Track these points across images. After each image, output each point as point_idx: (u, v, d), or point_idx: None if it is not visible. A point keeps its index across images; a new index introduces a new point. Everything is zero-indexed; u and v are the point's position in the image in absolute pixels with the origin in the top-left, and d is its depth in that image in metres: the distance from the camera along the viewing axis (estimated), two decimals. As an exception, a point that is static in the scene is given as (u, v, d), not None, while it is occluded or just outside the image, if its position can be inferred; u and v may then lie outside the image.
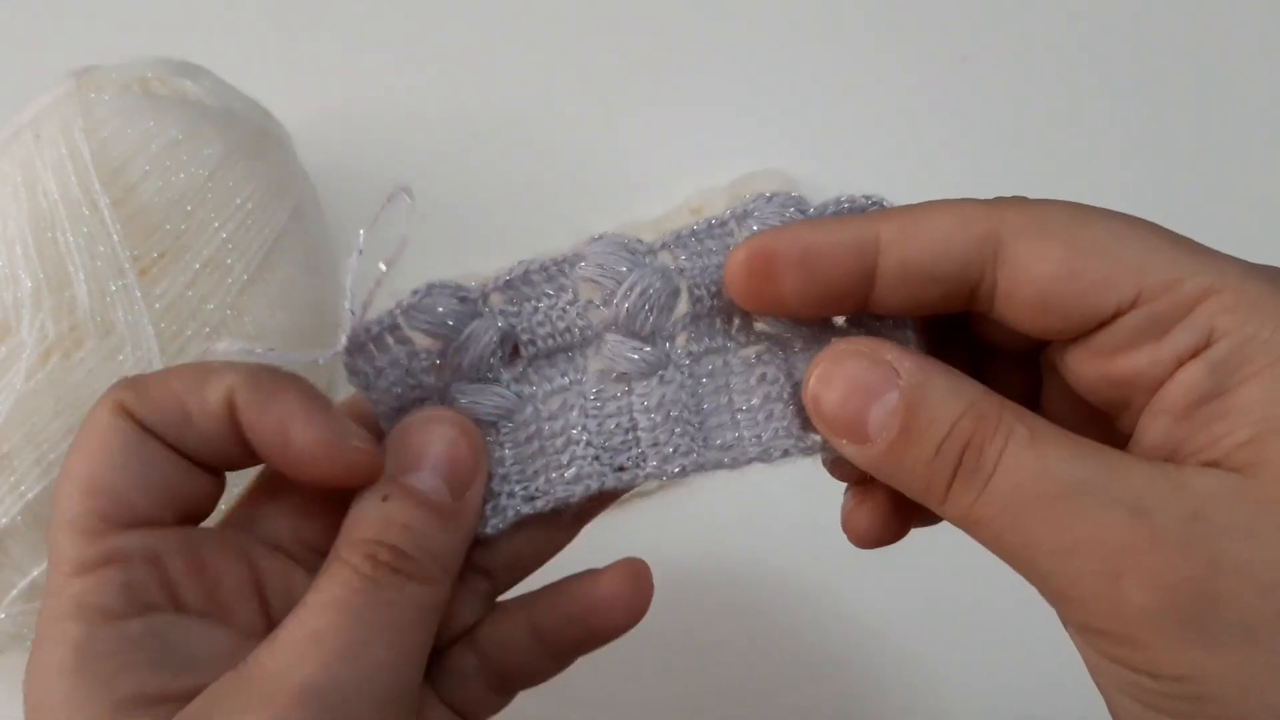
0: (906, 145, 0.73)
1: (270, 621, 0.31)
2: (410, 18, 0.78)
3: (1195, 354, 0.27)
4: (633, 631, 0.35)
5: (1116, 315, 0.27)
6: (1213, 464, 0.26)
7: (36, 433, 0.48)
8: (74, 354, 0.49)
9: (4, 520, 0.48)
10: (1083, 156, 0.72)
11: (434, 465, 0.31)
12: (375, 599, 0.29)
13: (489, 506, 0.33)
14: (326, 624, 0.28)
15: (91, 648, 0.28)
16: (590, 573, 0.35)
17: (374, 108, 0.74)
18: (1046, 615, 0.30)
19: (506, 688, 0.36)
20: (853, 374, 0.29)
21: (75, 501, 0.29)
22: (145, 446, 0.29)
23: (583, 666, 0.36)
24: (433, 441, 0.31)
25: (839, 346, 0.30)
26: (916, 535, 0.35)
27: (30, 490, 0.48)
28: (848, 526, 0.34)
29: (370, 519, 0.30)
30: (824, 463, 0.34)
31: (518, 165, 0.72)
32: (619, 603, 0.34)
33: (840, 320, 0.33)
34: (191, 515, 0.32)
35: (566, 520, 0.35)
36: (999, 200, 0.29)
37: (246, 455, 0.31)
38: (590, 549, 0.36)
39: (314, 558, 0.32)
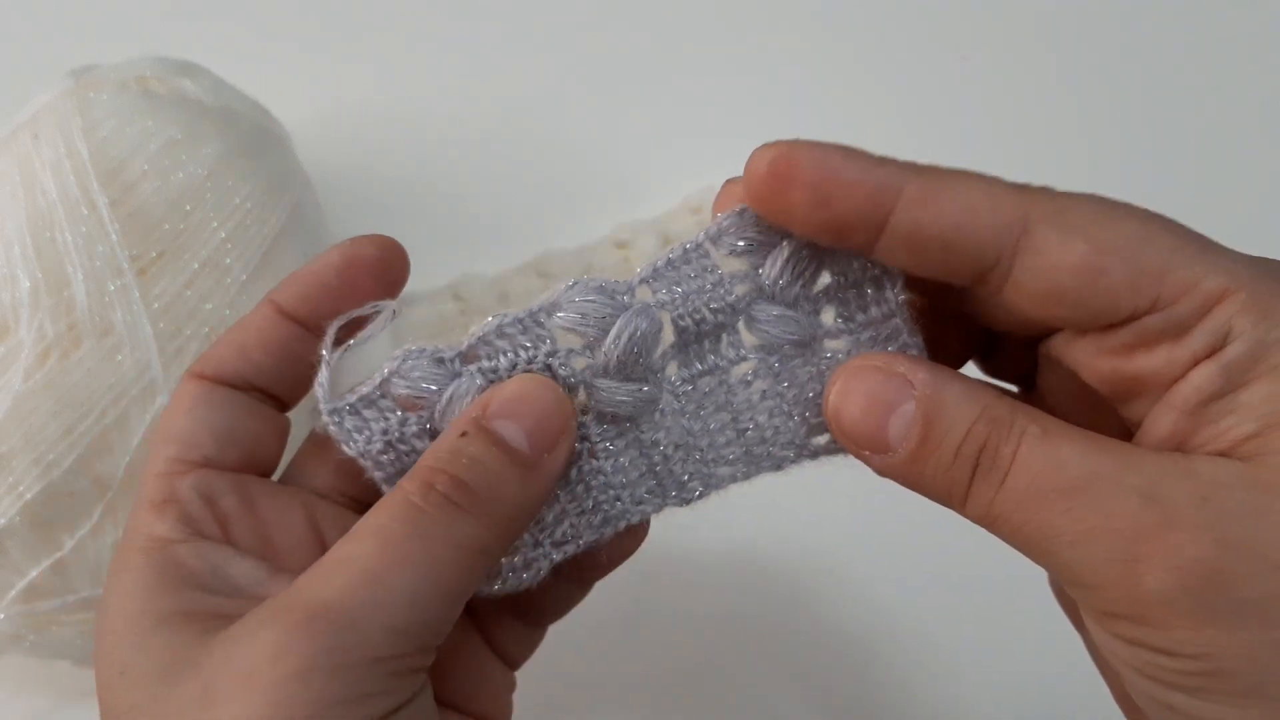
0: (907, 144, 0.71)
1: None
2: (410, 18, 0.78)
3: (1210, 354, 0.27)
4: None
5: (1132, 317, 0.28)
6: (1220, 455, 0.27)
7: (34, 433, 0.48)
8: (72, 354, 0.48)
9: (2, 521, 0.48)
10: (1083, 156, 0.72)
11: (519, 419, 0.31)
12: (414, 529, 0.29)
13: (518, 560, 0.33)
14: (358, 550, 0.29)
15: (153, 569, 0.31)
16: None
17: (374, 108, 0.74)
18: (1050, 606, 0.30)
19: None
20: (870, 388, 0.30)
21: (156, 452, 0.33)
22: (214, 395, 0.33)
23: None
24: (524, 397, 0.31)
25: (854, 362, 0.31)
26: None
27: (29, 491, 0.48)
28: None
29: (441, 450, 0.30)
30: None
31: (517, 165, 0.72)
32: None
33: (830, 319, 0.33)
34: (256, 460, 0.34)
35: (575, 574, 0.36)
36: (1027, 186, 0.29)
37: (298, 383, 0.34)
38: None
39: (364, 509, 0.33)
